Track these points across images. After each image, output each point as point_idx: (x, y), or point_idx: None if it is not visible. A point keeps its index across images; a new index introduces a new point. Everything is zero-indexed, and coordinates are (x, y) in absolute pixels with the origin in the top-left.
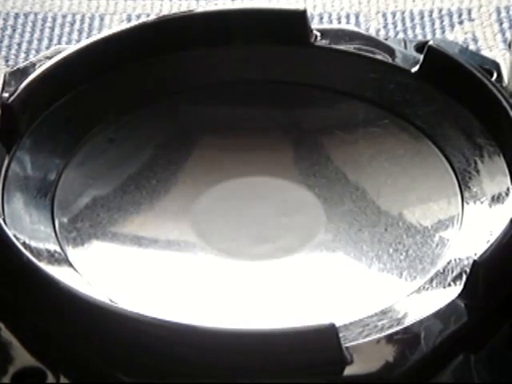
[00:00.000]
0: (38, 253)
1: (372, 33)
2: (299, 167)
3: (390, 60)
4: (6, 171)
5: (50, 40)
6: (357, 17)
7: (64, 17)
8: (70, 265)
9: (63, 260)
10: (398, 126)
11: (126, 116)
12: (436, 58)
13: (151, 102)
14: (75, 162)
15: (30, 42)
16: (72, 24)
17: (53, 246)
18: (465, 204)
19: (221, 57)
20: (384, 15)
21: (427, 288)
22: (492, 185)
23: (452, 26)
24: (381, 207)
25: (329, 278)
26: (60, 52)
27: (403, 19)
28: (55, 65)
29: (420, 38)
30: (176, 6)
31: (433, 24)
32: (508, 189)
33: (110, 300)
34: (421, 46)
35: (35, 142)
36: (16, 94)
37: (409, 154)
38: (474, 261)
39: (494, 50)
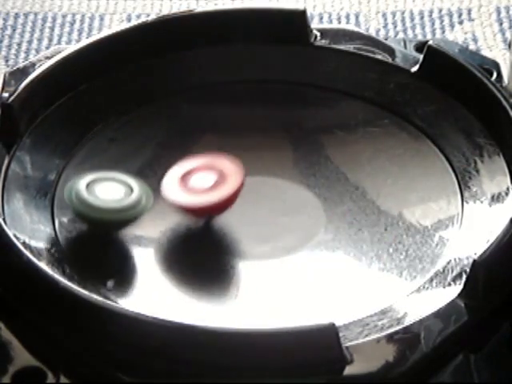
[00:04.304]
0: (38, 253)
1: (372, 33)
2: (299, 167)
3: (389, 60)
4: (6, 171)
5: (50, 40)
6: (357, 17)
7: (64, 17)
8: (70, 265)
9: (63, 260)
10: (398, 126)
11: (126, 116)
12: (436, 58)
13: (151, 101)
14: (75, 162)
15: (29, 42)
16: (72, 24)
17: (53, 246)
18: (465, 203)
19: (221, 57)
20: (384, 15)
21: (427, 288)
22: (492, 184)
23: (452, 25)
24: (381, 207)
25: (329, 277)
26: (60, 52)
27: (403, 19)
28: (55, 65)
29: (420, 37)
30: (176, 5)
31: (433, 24)
32: (508, 188)
33: (110, 300)
34: (421, 46)
35: (35, 142)
36: (16, 94)
37: (408, 154)
38: (474, 260)
39: (493, 50)
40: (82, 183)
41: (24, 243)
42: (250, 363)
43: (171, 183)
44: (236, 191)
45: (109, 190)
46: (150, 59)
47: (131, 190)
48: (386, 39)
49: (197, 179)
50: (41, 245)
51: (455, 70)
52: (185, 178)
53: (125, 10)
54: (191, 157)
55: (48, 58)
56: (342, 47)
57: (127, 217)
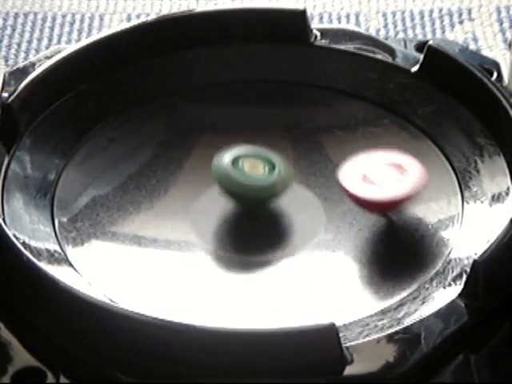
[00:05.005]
0: (37, 253)
1: (372, 32)
2: (299, 167)
3: (390, 59)
4: (6, 171)
5: (50, 40)
6: (357, 16)
7: (64, 16)
8: (70, 265)
9: (63, 260)
10: (398, 126)
11: (125, 116)
12: (436, 58)
13: (151, 101)
14: (75, 162)
15: (29, 42)
16: (72, 24)
17: (52, 246)
18: (465, 203)
19: (221, 57)
20: (384, 15)
21: (427, 288)
22: (492, 184)
23: (452, 25)
24: None
25: (329, 277)
26: (60, 52)
27: (403, 19)
28: (55, 64)
29: (420, 37)
30: (176, 5)
31: (433, 24)
32: (508, 188)
33: (110, 300)
34: (421, 46)
35: (35, 142)
36: (16, 94)
37: (409, 154)
38: (474, 260)
39: (494, 50)
40: (227, 158)
41: (24, 243)
42: (250, 363)
43: (351, 176)
44: (419, 186)
45: (253, 166)
46: (149, 59)
47: (273, 166)
48: (386, 39)
49: (377, 173)
50: (40, 245)
51: (455, 69)
52: (364, 171)
53: (125, 10)
54: (369, 151)
55: (48, 57)
56: (342, 47)
57: (270, 194)
